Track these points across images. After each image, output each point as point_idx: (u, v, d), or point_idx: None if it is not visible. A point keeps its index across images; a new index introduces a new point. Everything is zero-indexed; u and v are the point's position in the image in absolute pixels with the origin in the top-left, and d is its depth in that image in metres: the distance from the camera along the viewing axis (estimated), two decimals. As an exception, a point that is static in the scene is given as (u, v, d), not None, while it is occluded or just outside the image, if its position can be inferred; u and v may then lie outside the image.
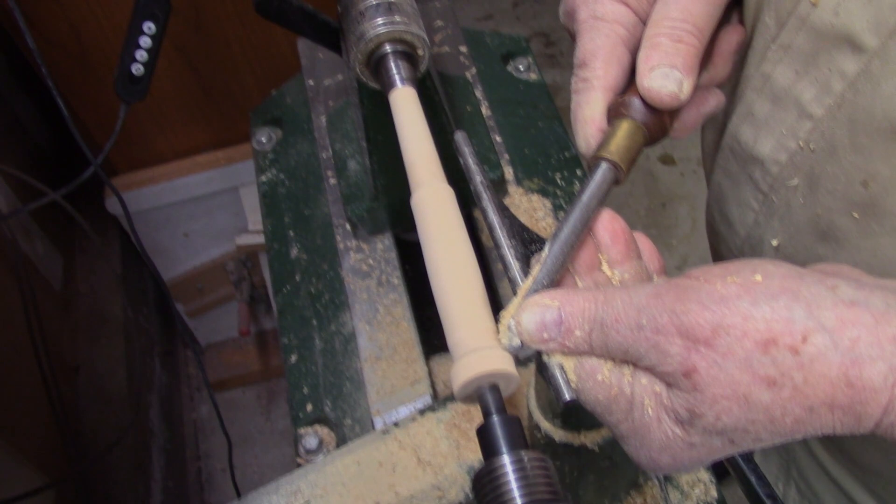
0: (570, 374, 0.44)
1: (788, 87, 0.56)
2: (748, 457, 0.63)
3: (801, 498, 0.84)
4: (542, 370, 0.46)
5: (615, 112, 0.51)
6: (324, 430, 0.77)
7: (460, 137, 0.54)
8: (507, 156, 0.95)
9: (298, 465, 0.72)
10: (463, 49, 1.04)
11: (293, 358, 0.83)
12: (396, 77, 0.66)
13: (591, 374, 0.43)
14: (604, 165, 0.49)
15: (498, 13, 2.74)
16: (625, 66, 0.53)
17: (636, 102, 0.50)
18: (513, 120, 0.98)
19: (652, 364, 0.40)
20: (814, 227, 0.57)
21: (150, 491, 1.63)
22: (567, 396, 0.44)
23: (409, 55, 0.68)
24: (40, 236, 1.53)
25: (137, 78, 0.92)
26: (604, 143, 0.50)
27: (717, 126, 0.67)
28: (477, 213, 0.90)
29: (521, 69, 1.05)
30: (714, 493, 0.70)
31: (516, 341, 0.45)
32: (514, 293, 0.47)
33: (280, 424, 1.98)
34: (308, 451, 0.75)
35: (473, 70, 1.02)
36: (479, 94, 1.00)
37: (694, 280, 0.40)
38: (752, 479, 0.62)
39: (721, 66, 0.56)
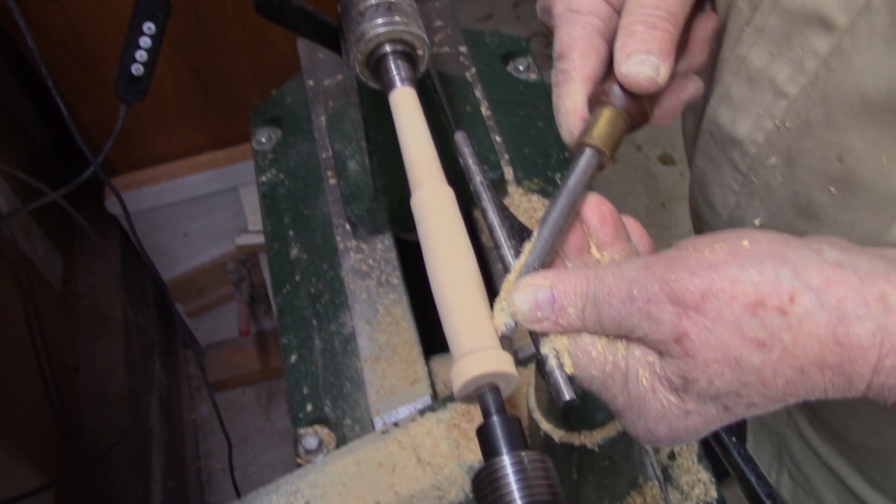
0: (565, 354, 0.44)
1: (763, 68, 0.57)
2: (748, 456, 0.63)
3: (793, 484, 0.85)
4: (542, 370, 0.46)
5: (596, 100, 0.52)
6: (324, 431, 0.77)
7: (460, 137, 0.54)
8: (507, 156, 0.95)
9: (298, 466, 0.72)
10: (463, 49, 1.04)
11: (293, 358, 0.83)
12: (396, 77, 0.66)
13: (586, 350, 0.44)
14: (587, 151, 0.50)
15: (498, 13, 2.73)
16: (602, 56, 0.54)
17: (616, 89, 0.51)
18: (513, 120, 0.98)
19: (644, 334, 0.41)
20: (793, 204, 0.58)
21: (149, 491, 1.63)
22: (567, 396, 0.44)
23: (408, 55, 0.68)
24: (40, 236, 1.53)
25: (137, 78, 0.93)
26: (586, 130, 0.51)
27: (697, 111, 0.68)
28: (477, 213, 0.90)
29: (521, 69, 1.05)
30: (714, 493, 0.70)
31: (511, 323, 0.46)
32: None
33: (280, 424, 1.98)
34: (308, 452, 0.75)
35: (473, 70, 1.02)
36: (479, 94, 1.00)
37: (682, 250, 0.41)
38: (752, 479, 0.62)
39: (697, 53, 0.57)
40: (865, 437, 0.66)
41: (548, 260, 0.47)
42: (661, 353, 0.41)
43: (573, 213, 0.48)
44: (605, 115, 0.51)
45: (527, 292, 0.44)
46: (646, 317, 0.40)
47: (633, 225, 0.49)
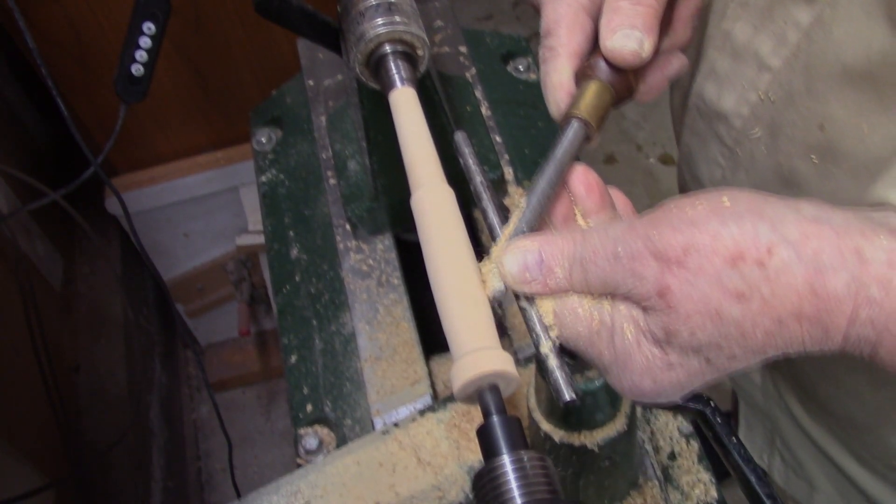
0: (549, 315, 0.46)
1: (747, 42, 0.59)
2: (748, 457, 0.63)
3: (785, 467, 0.86)
4: (542, 370, 0.46)
5: (582, 75, 0.53)
6: (324, 431, 0.77)
7: (460, 137, 0.54)
8: (507, 156, 0.95)
9: (298, 466, 0.72)
10: (463, 49, 1.04)
11: (293, 358, 0.83)
12: (396, 77, 0.66)
13: (573, 310, 0.45)
14: (574, 123, 0.51)
15: (498, 13, 2.73)
16: (588, 32, 0.55)
17: (601, 64, 0.53)
18: (513, 120, 0.98)
19: (629, 290, 0.42)
20: (777, 174, 0.59)
21: (150, 491, 1.63)
22: (567, 396, 0.44)
23: (408, 55, 0.68)
24: (40, 236, 1.53)
25: (137, 78, 0.92)
26: (573, 103, 0.52)
27: (683, 88, 0.70)
28: (477, 213, 0.90)
29: (521, 69, 1.05)
30: (714, 494, 0.70)
31: (500, 287, 0.47)
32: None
33: (280, 425, 1.98)
34: (308, 452, 0.75)
35: (473, 70, 1.02)
36: (479, 94, 1.00)
37: (665, 209, 0.43)
38: (753, 479, 0.62)
39: (681, 30, 0.58)
40: (852, 409, 0.67)
41: (535, 227, 0.48)
42: (645, 308, 0.42)
43: (560, 183, 0.49)
44: (592, 89, 0.52)
45: (516, 255, 0.46)
46: (630, 273, 0.42)
47: (617, 195, 0.51)
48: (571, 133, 0.51)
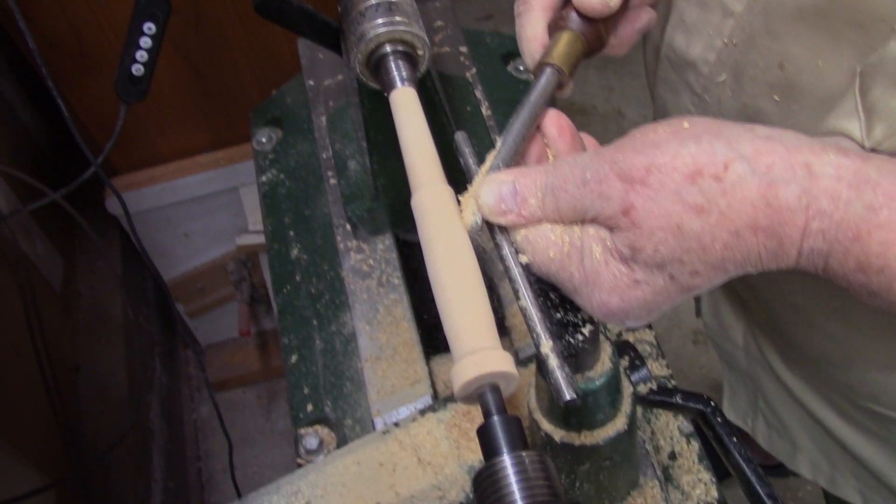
0: (521, 241, 0.48)
1: None
2: (748, 456, 0.63)
3: (769, 429, 0.91)
4: (543, 370, 0.46)
5: (555, 26, 0.57)
6: (324, 431, 0.77)
7: (460, 137, 0.54)
8: (507, 156, 0.95)
9: (299, 466, 0.72)
10: (463, 49, 1.04)
11: (293, 358, 0.83)
12: (396, 77, 0.66)
13: (545, 235, 0.47)
14: (547, 70, 0.54)
15: (498, 13, 2.73)
16: None
17: (573, 15, 0.56)
18: (513, 120, 0.98)
19: (597, 213, 0.45)
20: (742, 116, 0.62)
21: (150, 491, 1.63)
22: (567, 396, 0.44)
23: (409, 55, 0.68)
24: (40, 236, 1.53)
25: (137, 78, 0.92)
26: (546, 52, 0.55)
27: (656, 42, 0.72)
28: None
29: (521, 69, 1.05)
30: (714, 493, 0.70)
31: (478, 219, 0.49)
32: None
33: (280, 425, 1.98)
34: (308, 452, 0.75)
35: (473, 70, 1.02)
36: (479, 94, 1.00)
37: (630, 136, 0.45)
38: (753, 478, 0.62)
39: None
40: (827, 351, 0.71)
41: (511, 165, 0.51)
42: (611, 228, 0.45)
43: (534, 126, 0.52)
44: (564, 38, 0.55)
45: (492, 187, 0.48)
46: (597, 195, 0.44)
47: (589, 140, 0.54)
48: (544, 79, 0.54)
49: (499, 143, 0.51)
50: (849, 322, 0.66)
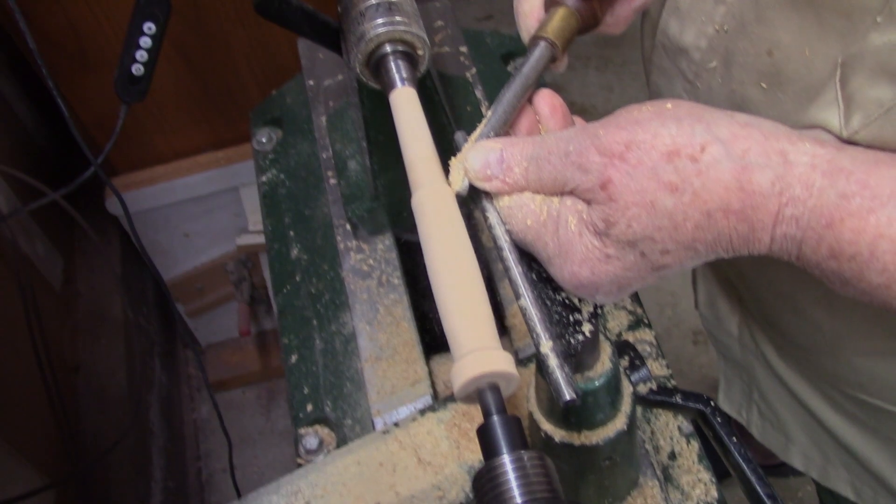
0: (503, 208, 0.49)
1: None
2: (747, 457, 0.63)
3: (762, 421, 0.92)
4: (542, 370, 0.46)
5: (551, 2, 0.58)
6: (324, 431, 0.77)
7: (460, 137, 0.54)
8: (507, 156, 0.95)
9: (299, 466, 0.72)
10: (463, 49, 1.04)
11: (293, 358, 0.83)
12: (397, 77, 0.66)
13: (525, 204, 0.48)
14: (541, 44, 0.55)
15: (498, 13, 2.73)
16: None
17: None
18: (513, 120, 0.98)
19: (576, 185, 0.46)
20: (731, 103, 0.62)
21: (150, 491, 1.63)
22: (567, 396, 0.44)
23: (409, 55, 0.68)
24: (40, 236, 1.53)
25: (137, 78, 0.92)
26: (540, 27, 0.56)
27: (652, 27, 0.73)
28: (477, 214, 0.90)
29: (521, 69, 1.04)
30: (714, 494, 0.70)
31: (465, 183, 0.51)
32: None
33: (280, 424, 1.98)
34: (308, 452, 0.75)
35: (473, 70, 1.02)
36: (479, 94, 1.00)
37: (616, 113, 0.46)
38: (753, 479, 0.62)
39: None
40: (814, 338, 0.72)
41: (501, 134, 0.52)
42: (588, 201, 0.45)
43: (525, 98, 0.54)
44: (559, 14, 0.56)
45: (479, 153, 0.50)
46: (577, 168, 0.45)
47: (580, 121, 0.54)
48: (537, 52, 0.55)
49: (489, 113, 0.52)
50: (833, 310, 0.67)
